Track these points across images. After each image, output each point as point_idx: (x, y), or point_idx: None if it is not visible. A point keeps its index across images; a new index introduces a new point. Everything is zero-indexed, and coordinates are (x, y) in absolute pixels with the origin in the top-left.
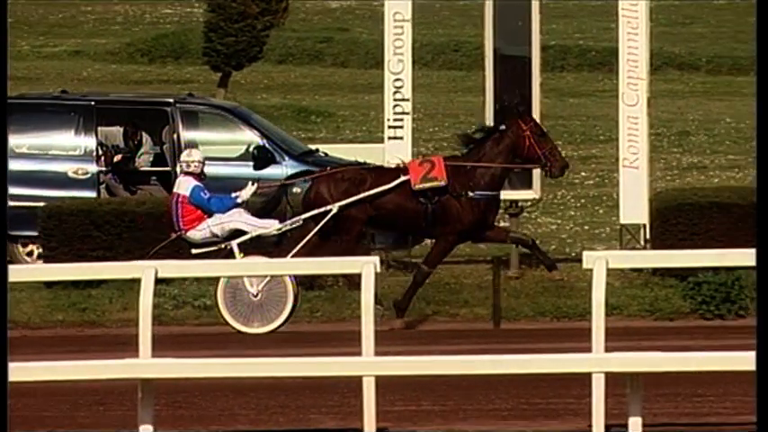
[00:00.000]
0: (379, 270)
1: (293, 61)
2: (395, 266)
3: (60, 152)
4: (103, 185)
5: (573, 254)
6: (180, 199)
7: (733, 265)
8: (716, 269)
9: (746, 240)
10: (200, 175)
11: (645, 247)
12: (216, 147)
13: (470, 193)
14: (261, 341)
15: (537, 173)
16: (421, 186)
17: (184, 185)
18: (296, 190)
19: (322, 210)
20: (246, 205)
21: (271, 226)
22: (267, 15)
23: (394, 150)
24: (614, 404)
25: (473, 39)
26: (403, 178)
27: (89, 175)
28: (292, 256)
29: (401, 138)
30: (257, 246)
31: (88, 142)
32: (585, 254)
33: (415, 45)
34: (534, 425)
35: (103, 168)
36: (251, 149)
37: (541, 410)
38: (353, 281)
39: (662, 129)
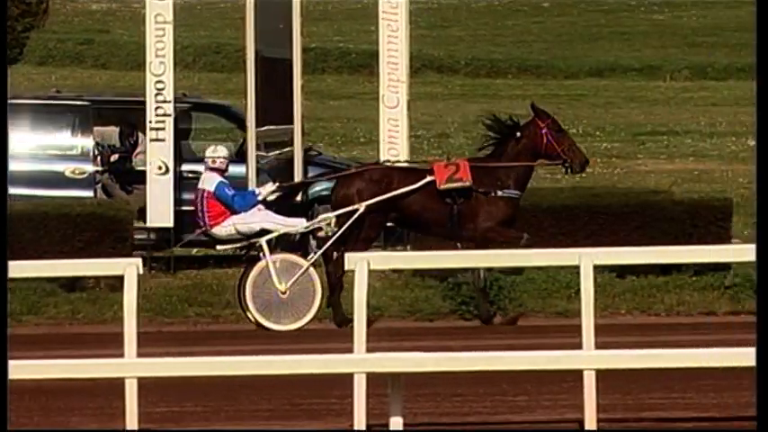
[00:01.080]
0: (141, 272)
1: (54, 63)
2: (156, 268)
3: (57, 152)
4: (100, 185)
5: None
6: (205, 195)
7: (492, 266)
8: (475, 270)
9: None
10: (223, 172)
11: (406, 249)
12: None
13: (499, 192)
14: (20, 342)
15: None
16: (446, 186)
17: (209, 181)
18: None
19: (349, 209)
20: (266, 202)
21: (298, 224)
22: (27, 17)
23: (157, 152)
24: (376, 404)
25: (234, 41)
26: (429, 178)
27: (86, 175)
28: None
29: (163, 140)
30: (283, 245)
31: (85, 142)
32: (347, 255)
33: (176, 47)
34: (296, 425)
35: (100, 168)
36: (244, 148)
37: (304, 411)
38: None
39: (422, 131)
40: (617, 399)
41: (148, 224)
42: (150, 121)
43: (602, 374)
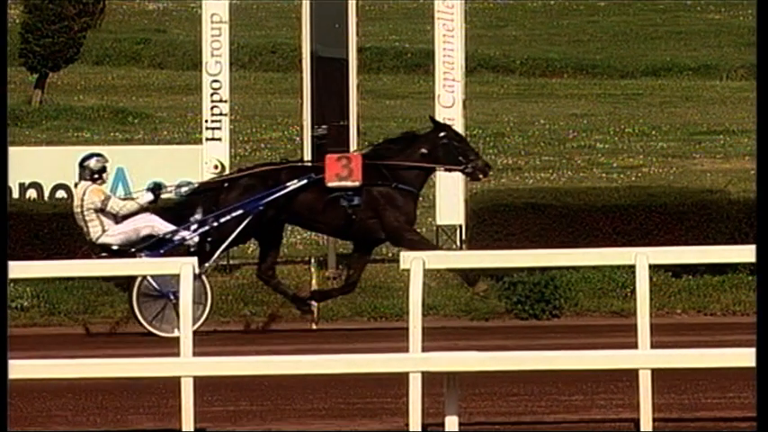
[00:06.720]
0: (197, 271)
1: (110, 62)
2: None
3: None
4: None
5: (390, 254)
6: None
7: (547, 266)
8: (530, 269)
9: (561, 241)
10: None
11: (461, 248)
12: None
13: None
14: (75, 341)
15: None
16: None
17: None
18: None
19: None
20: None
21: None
22: (84, 16)
23: (212, 152)
24: (431, 403)
25: (290, 41)
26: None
27: None
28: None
29: (219, 139)
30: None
31: None
32: (403, 254)
33: (232, 47)
34: (352, 424)
35: None
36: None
37: (359, 410)
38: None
39: (477, 130)
40: (673, 398)
41: None
42: (206, 121)
43: (657, 374)
